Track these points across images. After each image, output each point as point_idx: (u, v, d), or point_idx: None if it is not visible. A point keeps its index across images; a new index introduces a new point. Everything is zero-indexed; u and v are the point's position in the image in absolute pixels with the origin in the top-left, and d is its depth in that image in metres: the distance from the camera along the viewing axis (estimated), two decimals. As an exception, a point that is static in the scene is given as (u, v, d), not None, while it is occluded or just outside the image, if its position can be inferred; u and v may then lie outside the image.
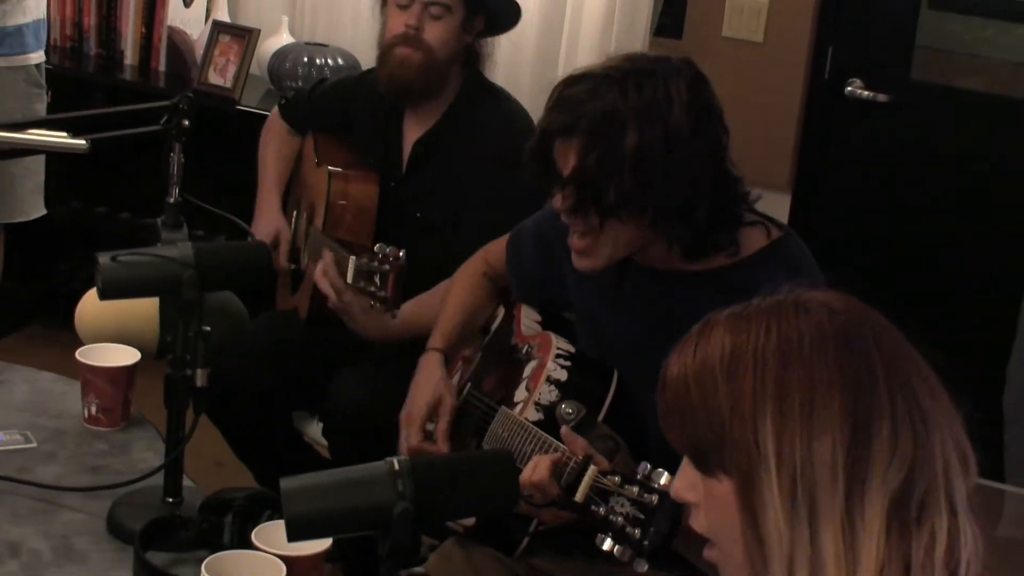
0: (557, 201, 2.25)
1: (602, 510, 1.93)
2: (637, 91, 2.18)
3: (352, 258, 2.73)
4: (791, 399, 1.35)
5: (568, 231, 2.31)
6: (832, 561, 1.32)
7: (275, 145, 3.53)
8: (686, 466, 1.46)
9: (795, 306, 1.41)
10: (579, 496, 1.98)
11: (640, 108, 2.17)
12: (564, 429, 2.13)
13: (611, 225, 2.21)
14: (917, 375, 1.41)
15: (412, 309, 2.85)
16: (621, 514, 1.90)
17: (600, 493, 1.95)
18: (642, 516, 1.88)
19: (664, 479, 1.89)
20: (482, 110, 3.18)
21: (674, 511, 1.84)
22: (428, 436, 2.56)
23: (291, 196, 3.50)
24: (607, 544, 1.90)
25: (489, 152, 3.06)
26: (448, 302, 2.74)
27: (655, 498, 1.87)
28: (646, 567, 1.87)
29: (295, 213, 3.44)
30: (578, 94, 2.20)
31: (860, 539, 1.32)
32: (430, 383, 2.58)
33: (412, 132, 3.25)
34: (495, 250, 2.74)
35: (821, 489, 1.33)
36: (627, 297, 2.37)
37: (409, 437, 2.55)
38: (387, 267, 2.58)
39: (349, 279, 2.75)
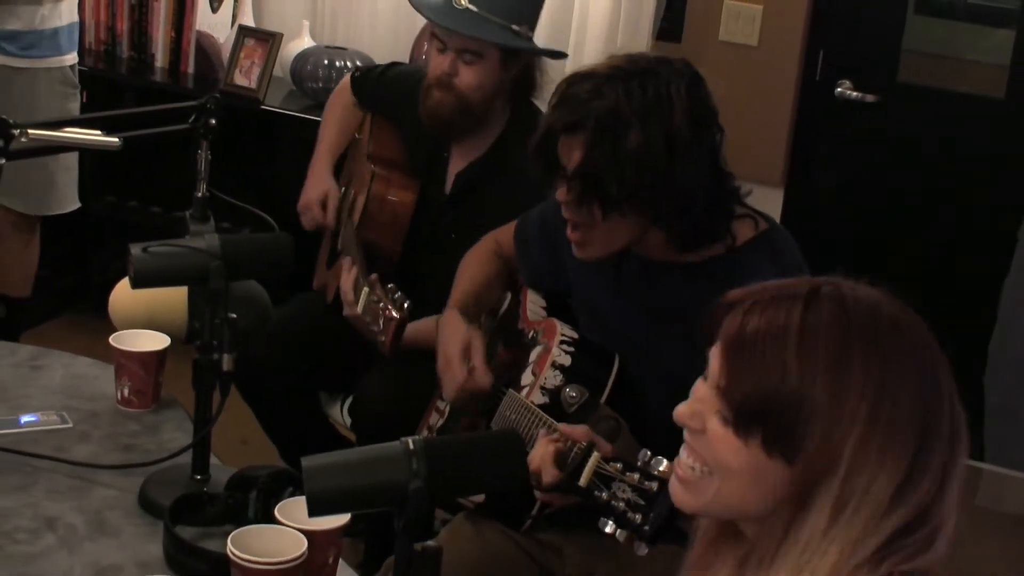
0: (561, 194, 2.24)
1: (604, 495, 1.92)
2: (641, 91, 2.16)
3: (365, 290, 2.68)
4: (877, 428, 1.35)
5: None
6: (827, 568, 1.34)
7: (337, 114, 3.46)
8: (701, 400, 1.45)
9: (891, 320, 1.41)
10: (583, 481, 1.97)
11: (643, 108, 2.15)
12: (562, 427, 2.12)
13: (612, 218, 2.21)
14: (960, 412, 1.41)
15: (421, 331, 2.82)
16: (623, 500, 1.88)
17: (602, 479, 1.93)
18: (643, 502, 1.86)
19: (664, 466, 1.86)
20: (525, 150, 3.05)
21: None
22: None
23: (345, 167, 3.45)
24: (609, 527, 1.89)
25: (528, 191, 2.93)
26: (463, 273, 2.72)
27: (655, 485, 1.86)
28: (646, 550, 1.86)
29: (344, 188, 3.39)
30: (582, 92, 2.19)
31: (852, 559, 1.34)
32: (457, 331, 2.55)
33: (458, 160, 3.15)
34: (505, 235, 2.73)
35: (858, 519, 1.35)
36: (625, 286, 2.36)
37: (455, 376, 2.49)
38: (391, 316, 2.53)
39: (359, 308, 2.72)
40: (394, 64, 3.50)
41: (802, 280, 1.45)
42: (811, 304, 1.40)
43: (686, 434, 1.48)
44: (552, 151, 2.24)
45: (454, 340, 2.54)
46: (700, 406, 1.45)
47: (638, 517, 1.86)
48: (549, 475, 2.05)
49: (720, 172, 2.25)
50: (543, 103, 3.10)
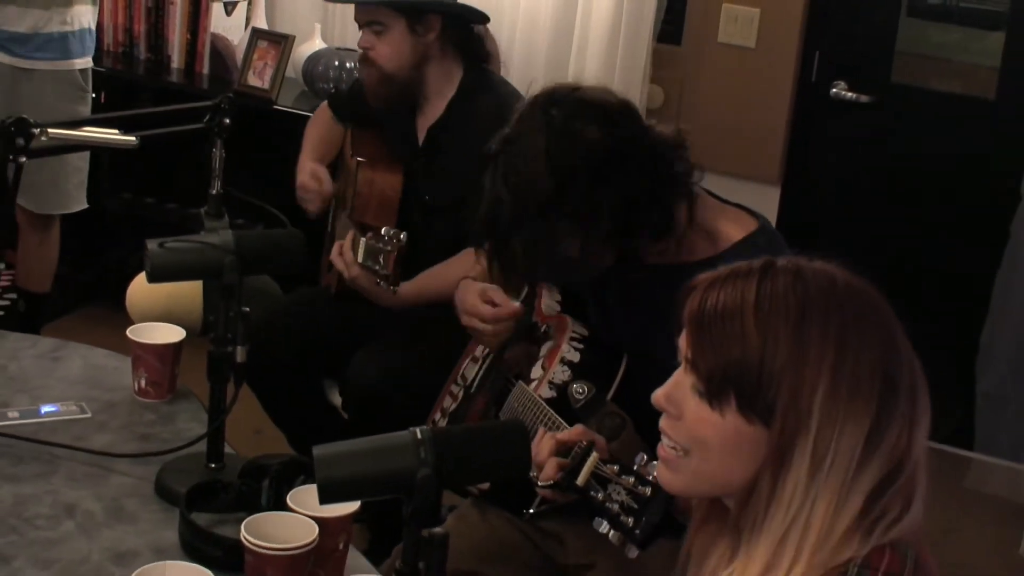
0: None
1: (600, 496, 1.90)
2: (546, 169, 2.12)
3: (363, 240, 2.77)
4: (841, 382, 1.39)
5: None
6: (817, 525, 1.38)
7: (317, 128, 3.55)
8: (677, 384, 1.48)
9: (847, 286, 1.45)
10: (580, 480, 1.95)
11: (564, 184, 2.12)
12: (559, 435, 2.09)
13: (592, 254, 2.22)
14: (918, 369, 1.45)
15: (422, 281, 2.91)
16: (617, 502, 1.87)
17: (599, 479, 1.91)
18: (636, 506, 1.84)
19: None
20: (479, 101, 3.14)
21: (666, 504, 1.82)
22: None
23: (335, 187, 3.49)
24: (604, 528, 1.87)
25: (486, 139, 2.98)
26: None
27: (648, 490, 1.84)
28: (636, 553, 1.85)
29: (333, 203, 3.43)
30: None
31: (842, 514, 1.38)
32: (469, 288, 2.60)
33: (423, 124, 3.23)
34: None
35: (836, 470, 1.38)
36: (629, 287, 2.35)
37: (483, 314, 2.53)
38: (389, 248, 2.63)
39: (360, 258, 2.80)
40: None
41: (759, 259, 1.49)
42: (766, 276, 1.45)
43: (663, 417, 1.50)
44: None
45: (468, 294, 2.58)
46: (676, 390, 1.49)
47: (630, 520, 1.84)
48: (550, 470, 2.03)
49: (656, 154, 2.19)
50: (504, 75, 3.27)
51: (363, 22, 3.15)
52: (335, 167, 3.49)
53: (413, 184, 3.22)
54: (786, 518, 1.38)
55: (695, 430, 1.46)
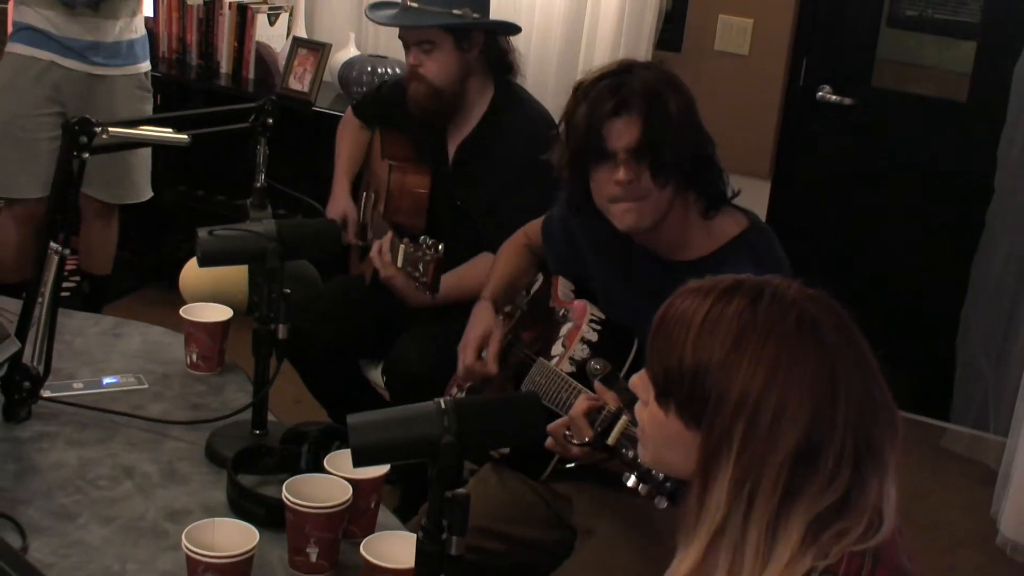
0: (620, 174, 2.16)
1: (631, 453, 1.90)
2: (653, 73, 2.20)
3: (402, 246, 2.72)
4: (766, 412, 1.30)
5: (587, 223, 2.29)
6: (752, 550, 1.30)
7: (348, 139, 3.49)
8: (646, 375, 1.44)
9: (799, 319, 1.34)
10: (612, 440, 1.95)
11: (665, 82, 2.17)
12: (597, 384, 2.08)
13: (662, 185, 2.17)
14: (871, 393, 1.34)
15: (450, 281, 2.84)
16: None
17: (629, 440, 1.92)
18: None
19: None
20: (511, 118, 3.08)
21: None
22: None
23: (363, 180, 3.47)
24: (632, 481, 1.86)
25: (518, 153, 2.98)
26: (498, 265, 2.72)
27: None
28: (665, 504, 1.84)
29: (365, 195, 3.42)
30: (607, 86, 2.16)
31: (779, 540, 1.30)
32: (482, 321, 2.55)
33: (454, 137, 3.17)
34: (532, 228, 2.72)
35: (762, 491, 1.30)
36: (634, 278, 2.34)
37: (465, 359, 2.51)
38: (428, 258, 2.57)
39: (399, 263, 2.75)
40: (383, 82, 3.58)
41: (733, 276, 1.41)
42: (723, 297, 1.37)
43: (639, 402, 1.47)
44: (597, 140, 2.16)
45: (476, 327, 2.55)
46: (646, 380, 1.45)
47: (660, 474, 1.84)
48: (583, 432, 2.03)
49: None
50: (520, 78, 3.20)
51: (412, 41, 3.09)
52: (363, 167, 3.47)
53: (443, 187, 3.17)
54: (711, 527, 1.32)
55: (649, 418, 1.43)
